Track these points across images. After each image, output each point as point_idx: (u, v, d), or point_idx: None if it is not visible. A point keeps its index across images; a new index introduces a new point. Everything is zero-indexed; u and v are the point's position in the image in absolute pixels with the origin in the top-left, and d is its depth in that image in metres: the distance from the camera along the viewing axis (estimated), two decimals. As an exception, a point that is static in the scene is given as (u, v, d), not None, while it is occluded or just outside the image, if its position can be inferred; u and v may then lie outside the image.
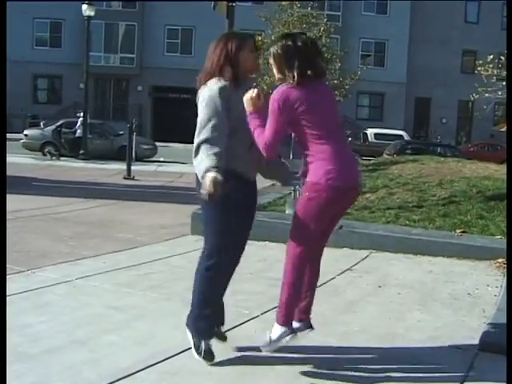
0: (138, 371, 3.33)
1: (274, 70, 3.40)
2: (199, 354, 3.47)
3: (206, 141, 3.25)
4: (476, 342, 3.91)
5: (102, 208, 10.03)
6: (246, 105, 3.34)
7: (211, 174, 3.17)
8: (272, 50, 3.38)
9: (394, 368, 3.56)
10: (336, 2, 38.00)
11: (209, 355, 3.47)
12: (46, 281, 5.11)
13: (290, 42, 3.33)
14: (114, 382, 3.19)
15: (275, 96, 3.28)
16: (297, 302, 3.47)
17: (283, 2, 23.41)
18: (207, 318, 3.52)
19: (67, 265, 5.80)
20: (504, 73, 18.89)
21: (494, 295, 5.18)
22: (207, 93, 3.33)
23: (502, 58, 18.58)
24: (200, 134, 3.28)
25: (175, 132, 40.68)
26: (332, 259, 6.13)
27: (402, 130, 34.06)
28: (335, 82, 25.06)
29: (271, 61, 3.39)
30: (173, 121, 40.85)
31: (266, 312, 4.48)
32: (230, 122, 3.31)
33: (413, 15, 39.89)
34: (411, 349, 3.89)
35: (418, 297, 5.15)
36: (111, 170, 17.60)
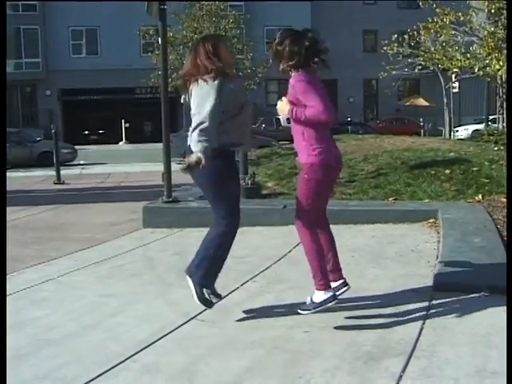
0: (156, 341, 3.84)
1: (280, 59, 3.97)
2: (201, 300, 4.06)
3: (201, 129, 3.82)
4: (429, 285, 4.65)
5: (47, 213, 10.25)
6: (280, 111, 4.00)
7: (199, 155, 3.77)
8: (282, 45, 3.95)
9: (365, 312, 4.22)
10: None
11: (209, 302, 4.09)
12: (31, 281, 5.46)
13: (294, 37, 3.94)
14: (139, 351, 3.68)
15: (301, 78, 3.88)
16: (326, 268, 4.05)
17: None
18: (212, 276, 4.13)
19: (43, 266, 6.15)
20: (409, 50, 20.15)
21: (434, 249, 5.94)
22: (202, 89, 3.90)
23: (405, 36, 19.77)
24: (196, 122, 3.85)
25: (88, 134, 40.48)
26: (282, 235, 6.77)
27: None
28: (248, 71, 25.89)
29: (279, 53, 3.97)
30: (84, 123, 40.55)
31: (244, 284, 5.07)
32: (223, 108, 3.90)
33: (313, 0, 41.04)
34: (376, 297, 4.56)
35: (370, 257, 5.85)
36: (38, 177, 17.61)
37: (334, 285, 4.12)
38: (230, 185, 4.12)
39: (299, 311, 4.06)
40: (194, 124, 3.90)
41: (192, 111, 3.98)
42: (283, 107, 4.00)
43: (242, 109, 4.09)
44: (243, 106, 4.13)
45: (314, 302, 4.00)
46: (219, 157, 3.94)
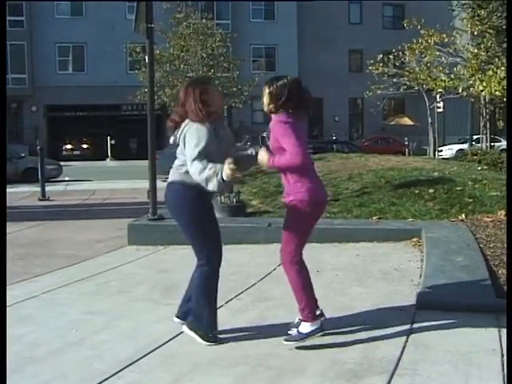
0: (140, 359, 3.85)
1: (267, 102, 4.04)
2: (209, 340, 4.09)
3: (199, 169, 3.90)
4: (412, 303, 4.69)
5: (32, 229, 10.21)
6: (261, 162, 4.04)
7: (225, 165, 3.81)
8: (270, 89, 4.02)
9: (349, 330, 4.25)
10: (224, 10, 38.84)
11: (216, 338, 4.14)
12: (15, 298, 5.43)
13: (284, 83, 4.00)
14: (122, 369, 3.68)
15: (282, 119, 3.93)
16: (314, 300, 4.07)
17: (178, 15, 24.05)
18: (212, 314, 4.16)
19: (26, 282, 6.13)
20: (394, 70, 20.40)
21: (417, 267, 6.01)
22: (194, 133, 3.98)
23: (390, 56, 20.04)
24: (193, 165, 3.93)
25: (71, 149, 40.36)
26: (267, 253, 6.79)
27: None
28: (234, 89, 26.00)
29: (267, 96, 4.04)
30: (70, 139, 40.48)
31: (228, 301, 5.08)
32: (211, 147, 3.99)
33: (299, 19, 41.43)
34: (360, 315, 4.61)
35: (354, 276, 5.89)
36: (23, 193, 17.50)
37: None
38: (210, 223, 4.19)
39: (284, 342, 4.05)
40: (190, 167, 3.96)
41: (180, 149, 4.07)
42: (263, 158, 4.03)
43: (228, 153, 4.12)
44: (232, 149, 4.21)
45: (300, 333, 4.02)
46: (199, 198, 4.07)
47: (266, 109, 4.09)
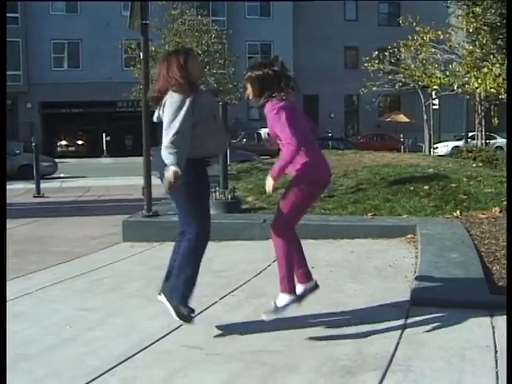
0: (134, 355, 3.84)
1: (252, 90, 4.09)
2: (180, 317, 4.09)
3: (172, 141, 3.90)
4: (406, 300, 4.70)
5: (26, 226, 10.19)
6: (269, 186, 4.05)
7: (173, 168, 3.86)
8: (251, 76, 4.08)
9: (343, 326, 4.25)
10: (220, 7, 38.76)
11: (189, 317, 4.12)
12: (9, 295, 5.37)
13: (262, 67, 4.07)
14: (116, 365, 3.68)
15: (274, 106, 3.95)
16: (293, 271, 4.15)
17: (173, 12, 24.01)
18: (190, 288, 4.16)
19: (21, 279, 6.11)
20: (390, 67, 20.43)
21: (412, 264, 6.01)
22: (174, 102, 3.98)
23: (386, 53, 20.05)
24: (168, 135, 3.93)
25: (66, 145, 40.25)
26: (262, 249, 6.77)
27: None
28: (230, 86, 25.98)
29: (249, 85, 4.08)
30: (65, 136, 40.38)
31: (222, 297, 5.08)
32: (194, 119, 3.99)
33: (295, 16, 41.39)
34: (354, 311, 4.61)
35: (348, 272, 5.89)
36: (18, 190, 17.45)
37: (300, 288, 4.22)
38: (202, 197, 4.20)
39: (263, 317, 4.11)
40: (165, 138, 3.96)
41: (164, 126, 4.04)
42: (270, 183, 4.05)
43: (215, 120, 4.20)
44: (216, 117, 4.25)
45: (276, 307, 4.09)
46: (193, 169, 4.03)
47: (253, 98, 4.12)
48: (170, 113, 3.97)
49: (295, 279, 4.21)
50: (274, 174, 4.01)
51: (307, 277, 4.31)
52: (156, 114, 4.24)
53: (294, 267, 4.20)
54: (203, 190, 4.23)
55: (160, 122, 4.19)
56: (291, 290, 4.12)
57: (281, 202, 4.18)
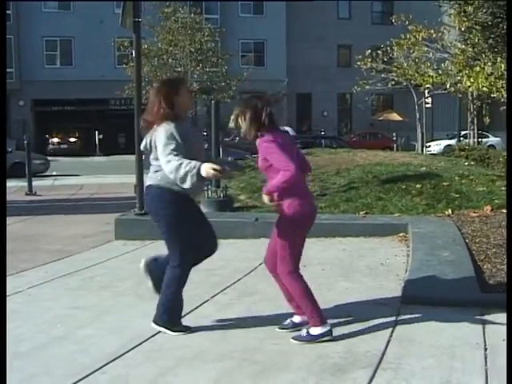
0: (125, 353, 3.85)
1: (246, 128, 4.06)
2: (178, 331, 4.15)
3: (178, 164, 3.87)
4: (397, 298, 4.72)
5: (18, 224, 10.16)
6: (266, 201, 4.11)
7: (206, 164, 3.81)
8: (242, 113, 4.07)
9: (334, 324, 4.26)
10: (213, 5, 38.67)
11: (184, 327, 4.21)
12: (0, 293, 5.43)
13: (256, 105, 4.04)
14: (107, 363, 3.68)
15: (267, 139, 3.97)
16: (317, 304, 4.08)
17: (166, 9, 23.91)
18: (178, 310, 4.23)
19: (12, 277, 6.07)
20: (382, 66, 20.46)
21: (403, 262, 6.04)
22: (167, 130, 4.00)
23: (379, 52, 20.07)
24: (168, 164, 3.92)
25: (59, 142, 40.05)
26: (254, 248, 6.81)
27: (287, 126, 35.26)
28: (222, 84, 25.93)
29: (244, 123, 4.06)
30: (57, 134, 40.21)
31: (214, 296, 5.09)
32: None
33: (288, 15, 41.35)
34: (345, 309, 4.63)
35: (340, 271, 5.91)
36: (10, 188, 17.26)
37: (301, 319, 4.21)
38: (184, 228, 4.16)
39: (292, 340, 4.05)
40: (167, 165, 3.93)
41: (159, 151, 4.02)
42: (265, 198, 4.10)
43: (201, 153, 4.21)
44: (202, 150, 4.29)
45: (311, 335, 4.01)
46: (175, 201, 4.09)
47: (248, 136, 4.08)
48: (164, 140, 3.96)
49: (293, 310, 4.24)
50: (269, 190, 4.01)
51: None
52: (143, 143, 4.22)
53: (290, 298, 4.21)
54: (186, 221, 4.17)
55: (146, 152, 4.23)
56: (321, 320, 4.04)
57: (280, 243, 4.13)
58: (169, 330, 4.15)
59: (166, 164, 3.93)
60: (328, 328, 4.02)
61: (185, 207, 4.17)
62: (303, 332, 4.07)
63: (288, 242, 4.09)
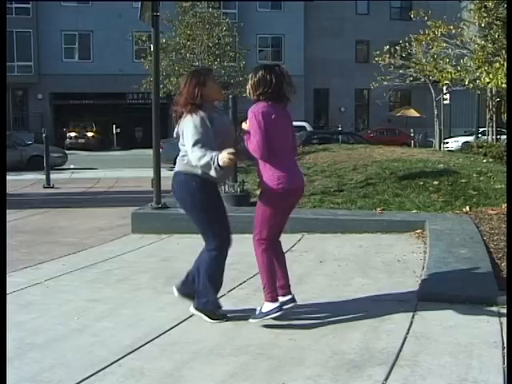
0: (141, 346, 3.86)
1: (249, 91, 4.23)
2: (215, 319, 4.29)
3: (201, 155, 4.00)
4: (414, 295, 4.69)
5: (36, 217, 10.25)
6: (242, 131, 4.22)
7: (223, 152, 3.91)
8: (251, 75, 4.23)
9: (350, 320, 4.26)
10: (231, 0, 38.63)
11: (222, 315, 4.35)
12: (18, 285, 5.45)
13: (264, 73, 4.17)
14: (123, 356, 3.70)
15: (256, 111, 4.12)
16: (276, 281, 4.26)
17: (184, 4, 23.96)
18: (215, 293, 4.35)
19: (30, 269, 6.15)
20: (401, 61, 20.37)
21: (420, 259, 6.00)
22: (194, 120, 4.10)
23: (397, 47, 19.99)
24: (194, 151, 4.05)
25: (78, 138, 40.21)
26: (271, 243, 6.79)
27: (303, 121, 35.18)
28: (240, 79, 25.94)
29: (249, 84, 4.23)
30: (75, 127, 40.34)
31: (230, 290, 5.10)
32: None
33: (306, 9, 41.22)
34: (362, 305, 4.61)
35: (356, 267, 5.89)
36: (28, 181, 17.55)
37: (283, 299, 4.28)
38: (216, 213, 4.29)
39: (250, 320, 4.24)
40: (193, 154, 4.06)
41: (185, 141, 4.15)
42: (244, 127, 4.25)
43: (230, 144, 4.21)
44: (231, 141, 4.28)
45: (261, 312, 4.20)
46: (205, 188, 4.18)
47: (250, 97, 4.24)
48: (191, 130, 4.08)
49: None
50: (246, 140, 4.18)
51: (285, 290, 4.36)
52: (176, 130, 4.33)
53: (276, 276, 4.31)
54: (217, 204, 4.32)
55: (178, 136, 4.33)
56: (272, 297, 4.20)
57: (256, 213, 4.32)
58: (208, 317, 4.27)
59: (191, 154, 4.07)
60: (277, 304, 4.18)
61: (212, 193, 4.27)
62: (257, 310, 4.25)
63: (262, 210, 4.25)
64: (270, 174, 4.17)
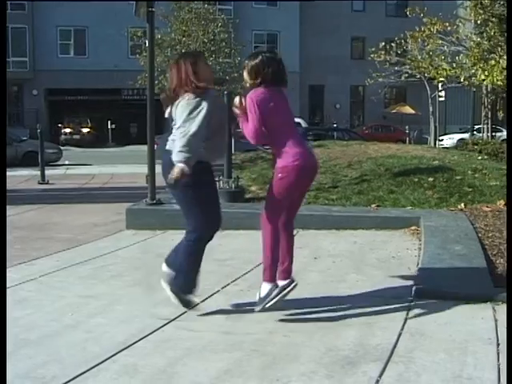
0: (135, 342, 3.85)
1: (247, 77, 4.22)
2: (183, 303, 4.30)
3: (187, 143, 3.98)
4: (408, 292, 4.69)
5: (31, 212, 10.21)
6: (234, 110, 4.20)
7: (181, 165, 3.93)
8: (248, 62, 4.24)
9: (345, 317, 4.26)
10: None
11: (190, 302, 4.32)
12: (12, 281, 5.42)
13: (260, 58, 4.20)
14: (117, 352, 3.68)
15: (254, 97, 4.11)
16: (277, 262, 4.22)
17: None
18: (192, 280, 4.30)
19: (24, 265, 6.12)
20: (396, 58, 20.37)
21: (415, 256, 6.00)
22: (190, 104, 4.06)
23: (393, 44, 19.97)
24: (183, 137, 4.00)
25: (71, 132, 40.13)
26: (266, 240, 6.78)
27: (298, 117, 35.17)
28: (235, 75, 25.88)
29: (246, 71, 4.23)
30: (70, 123, 40.26)
31: (224, 287, 5.09)
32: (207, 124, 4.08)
33: (302, 6, 41.19)
34: (356, 302, 4.60)
35: (351, 263, 5.88)
36: (23, 176, 17.50)
37: (283, 283, 4.25)
38: (204, 197, 4.23)
39: (255, 309, 4.25)
40: (178, 135, 4.02)
41: (177, 124, 4.09)
42: (237, 101, 4.24)
43: (220, 128, 4.27)
44: (222, 124, 4.31)
45: (260, 298, 4.22)
46: (198, 171, 4.08)
47: (247, 84, 4.25)
48: (186, 113, 4.04)
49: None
50: (240, 118, 4.20)
51: (289, 273, 4.33)
52: (168, 110, 4.27)
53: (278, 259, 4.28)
54: (205, 188, 4.25)
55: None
56: (271, 279, 4.21)
57: (268, 191, 4.34)
58: (178, 298, 4.27)
59: (179, 139, 4.02)
60: (271, 286, 4.19)
61: (200, 174, 4.14)
62: (257, 297, 4.26)
63: (273, 188, 4.22)
64: (284, 153, 4.15)
